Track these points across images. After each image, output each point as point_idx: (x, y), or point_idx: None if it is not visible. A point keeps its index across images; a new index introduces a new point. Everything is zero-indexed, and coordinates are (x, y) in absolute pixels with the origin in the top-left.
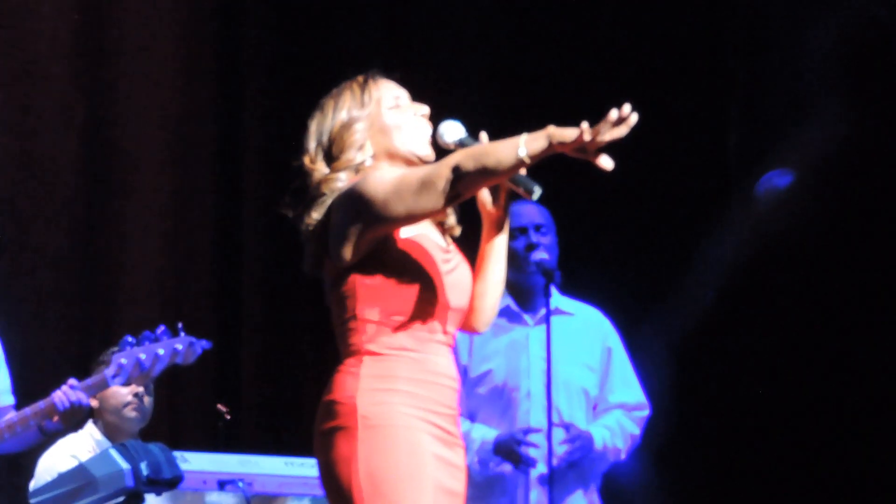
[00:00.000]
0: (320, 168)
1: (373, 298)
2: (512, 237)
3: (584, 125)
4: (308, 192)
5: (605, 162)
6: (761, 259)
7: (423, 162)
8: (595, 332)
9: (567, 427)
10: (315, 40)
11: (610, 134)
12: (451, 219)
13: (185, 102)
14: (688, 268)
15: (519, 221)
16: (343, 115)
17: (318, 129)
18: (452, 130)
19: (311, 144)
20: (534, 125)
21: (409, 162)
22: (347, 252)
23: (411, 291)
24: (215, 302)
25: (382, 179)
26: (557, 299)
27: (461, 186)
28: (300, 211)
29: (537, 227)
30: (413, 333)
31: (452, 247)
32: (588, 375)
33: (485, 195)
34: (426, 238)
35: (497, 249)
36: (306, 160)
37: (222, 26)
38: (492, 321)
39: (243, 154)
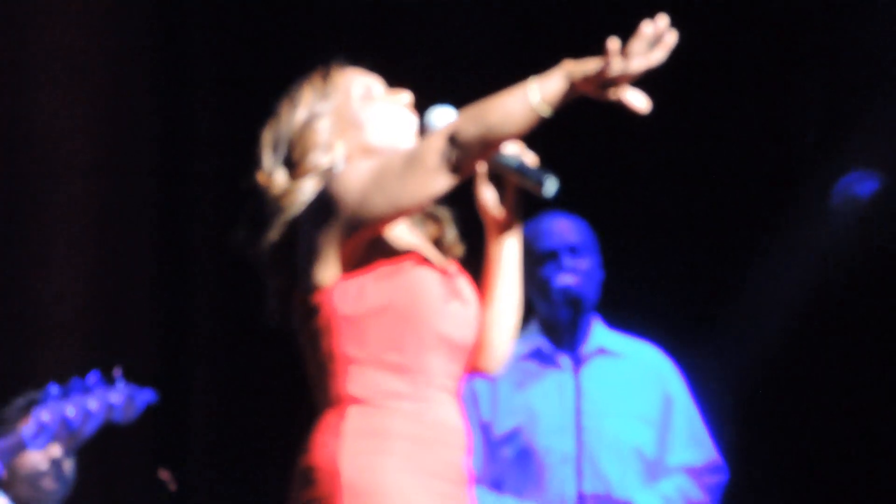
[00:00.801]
0: (278, 181)
1: (355, 333)
2: (540, 262)
3: (613, 45)
4: (264, 212)
5: (639, 100)
6: (836, 285)
7: None
8: (651, 376)
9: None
10: (277, 32)
11: (644, 59)
12: (451, 233)
13: (116, 104)
14: (745, 294)
15: (548, 243)
16: (302, 114)
17: (273, 136)
18: (444, 118)
19: (266, 156)
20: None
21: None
22: (323, 273)
23: (402, 324)
24: (158, 341)
25: (357, 169)
26: (603, 336)
27: (460, 158)
28: (255, 239)
29: (572, 250)
30: (407, 376)
31: (454, 269)
32: (643, 431)
33: (486, 196)
34: (417, 256)
35: (506, 265)
36: (260, 177)
37: (161, 13)
38: (506, 360)
39: (190, 162)
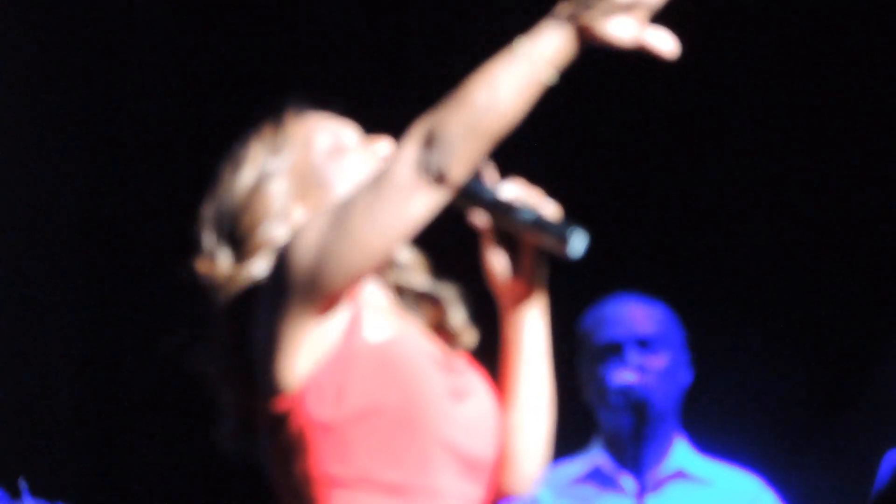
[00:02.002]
0: (221, 266)
1: (336, 446)
2: (600, 358)
3: None
4: (207, 307)
5: (664, 41)
6: None
7: None
8: None
9: None
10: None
11: None
12: (457, 316)
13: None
14: (864, 407)
15: (611, 333)
16: (249, 176)
17: (214, 209)
18: None
19: (206, 236)
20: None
21: None
22: (289, 370)
23: (395, 431)
24: (78, 445)
25: (313, 221)
26: (685, 457)
27: (444, 162)
28: (197, 343)
29: (642, 343)
30: (410, 500)
31: (463, 362)
32: None
33: (495, 262)
34: (410, 345)
35: (529, 353)
36: (200, 264)
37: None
38: (537, 478)
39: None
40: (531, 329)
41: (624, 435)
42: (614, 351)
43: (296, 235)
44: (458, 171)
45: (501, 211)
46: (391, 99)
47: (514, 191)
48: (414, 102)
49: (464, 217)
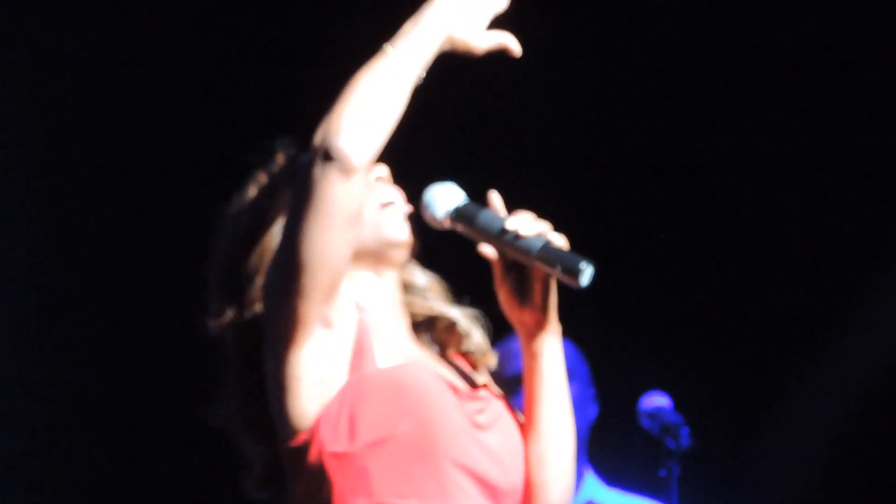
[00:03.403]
0: (227, 319)
1: (354, 476)
2: (510, 392)
3: None
4: (221, 362)
5: (512, 41)
6: None
7: (401, 249)
8: None
9: None
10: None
11: None
12: (476, 338)
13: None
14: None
15: (517, 366)
16: (244, 224)
17: (215, 264)
18: (445, 197)
19: (214, 294)
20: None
21: (380, 259)
22: (299, 407)
23: (411, 458)
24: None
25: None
26: (594, 489)
27: (342, 146)
28: (221, 401)
29: None
30: None
31: (486, 390)
32: None
33: (507, 291)
34: (422, 372)
35: (548, 379)
36: (213, 324)
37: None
38: (564, 502)
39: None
40: (549, 358)
41: None
42: (521, 383)
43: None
44: (353, 152)
45: (510, 242)
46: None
47: (522, 222)
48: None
49: (475, 248)
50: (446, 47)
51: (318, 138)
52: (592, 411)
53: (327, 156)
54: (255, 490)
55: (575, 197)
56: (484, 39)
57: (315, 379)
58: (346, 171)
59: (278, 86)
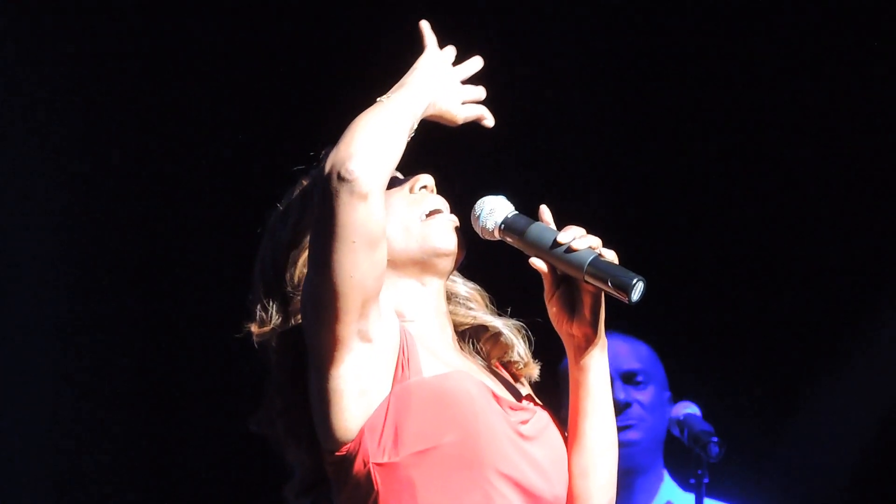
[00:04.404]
0: (271, 325)
1: (399, 486)
2: None
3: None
4: (271, 376)
5: (486, 113)
6: None
7: (447, 259)
8: None
9: None
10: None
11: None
12: (519, 348)
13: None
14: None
15: None
16: (290, 231)
17: (261, 270)
18: (494, 209)
19: (259, 300)
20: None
21: (425, 268)
22: (343, 418)
23: (456, 468)
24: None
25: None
26: (673, 492)
27: (350, 168)
28: (264, 413)
29: (627, 377)
30: None
31: (530, 401)
32: None
33: (558, 305)
34: (466, 382)
35: (594, 392)
36: (255, 330)
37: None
38: None
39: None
40: (595, 371)
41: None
42: None
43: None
44: (365, 176)
45: (561, 255)
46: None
47: (574, 236)
48: None
49: (521, 260)
50: (430, 113)
51: (328, 166)
52: (664, 413)
53: (340, 180)
54: (295, 497)
55: (616, 210)
56: (463, 111)
57: (357, 392)
58: (359, 194)
59: (321, 93)
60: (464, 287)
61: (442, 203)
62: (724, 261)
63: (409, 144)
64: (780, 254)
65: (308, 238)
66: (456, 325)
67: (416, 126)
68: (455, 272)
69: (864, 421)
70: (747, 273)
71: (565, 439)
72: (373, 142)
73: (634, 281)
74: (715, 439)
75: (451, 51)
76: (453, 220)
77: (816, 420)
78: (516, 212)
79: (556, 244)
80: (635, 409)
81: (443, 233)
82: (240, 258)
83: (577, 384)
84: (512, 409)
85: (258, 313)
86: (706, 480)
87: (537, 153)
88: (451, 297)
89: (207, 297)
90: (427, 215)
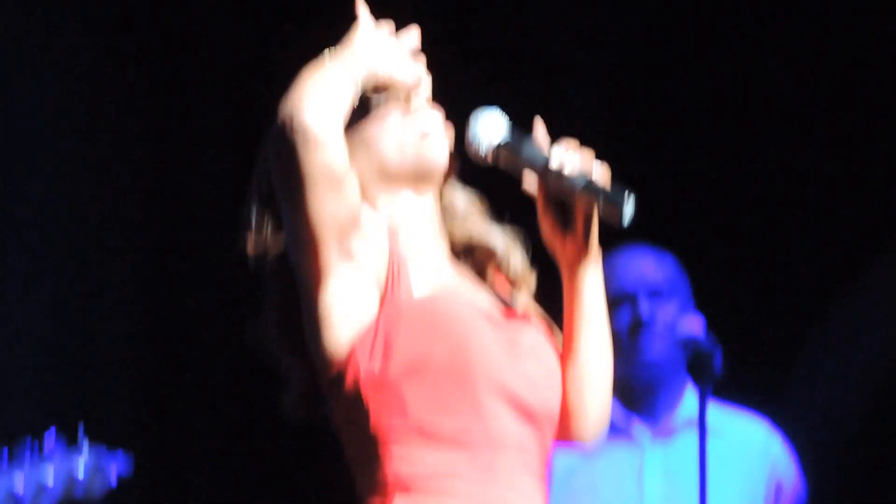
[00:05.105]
0: (266, 236)
1: (390, 400)
2: (612, 310)
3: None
4: (264, 288)
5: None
6: None
7: (440, 174)
8: (757, 459)
9: None
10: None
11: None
12: (516, 260)
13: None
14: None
15: (621, 284)
16: None
17: (257, 181)
18: (489, 126)
19: (253, 211)
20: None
21: (419, 179)
22: (334, 333)
23: (448, 381)
24: (139, 398)
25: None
26: (695, 405)
27: (302, 114)
28: (255, 319)
29: (653, 293)
30: (465, 449)
31: (524, 315)
32: None
33: (550, 224)
34: (458, 297)
35: (588, 308)
36: (248, 242)
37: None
38: (605, 427)
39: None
40: (590, 287)
41: (637, 384)
42: (625, 301)
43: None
44: (317, 122)
45: (552, 174)
46: None
47: (566, 152)
48: None
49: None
50: (374, 77)
51: (281, 118)
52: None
53: (294, 131)
54: (291, 411)
55: (616, 125)
56: (405, 74)
57: (345, 312)
58: (315, 142)
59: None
60: (461, 195)
61: (438, 118)
62: (733, 186)
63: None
64: (795, 182)
65: None
66: (451, 234)
67: (360, 84)
68: (452, 180)
69: (878, 354)
70: (763, 188)
71: (561, 351)
72: (322, 91)
73: (626, 198)
74: (719, 357)
75: (388, 24)
76: (449, 135)
77: (828, 337)
78: (509, 129)
79: (548, 162)
80: (659, 325)
81: (438, 150)
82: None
83: (570, 300)
84: (503, 321)
85: (253, 225)
86: (710, 395)
87: (534, 63)
88: (447, 204)
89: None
90: (423, 133)
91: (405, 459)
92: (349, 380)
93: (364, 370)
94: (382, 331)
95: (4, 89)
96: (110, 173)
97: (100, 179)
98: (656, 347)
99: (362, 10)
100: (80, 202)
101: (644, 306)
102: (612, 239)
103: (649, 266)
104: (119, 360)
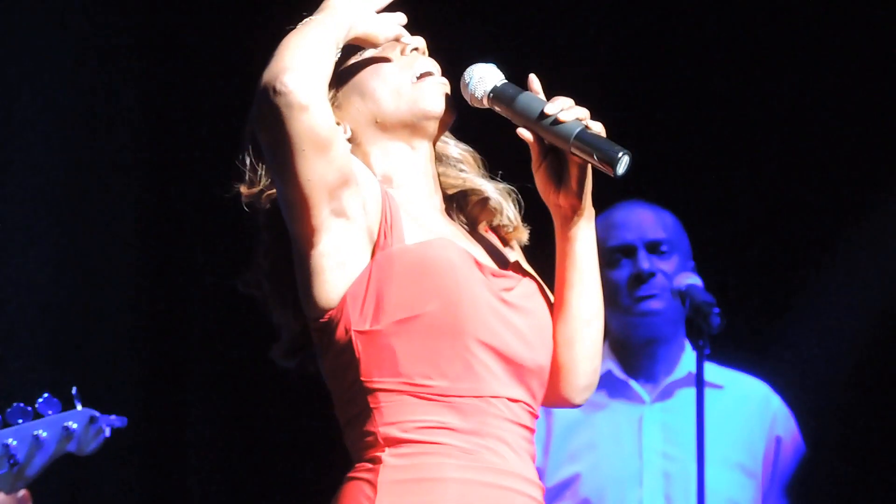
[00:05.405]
0: (259, 184)
1: (380, 354)
2: (611, 263)
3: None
4: (257, 233)
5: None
6: None
7: (436, 121)
8: (757, 414)
9: None
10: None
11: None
12: (508, 212)
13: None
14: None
15: (622, 237)
16: None
17: (250, 130)
18: (484, 77)
19: (248, 161)
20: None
21: (415, 130)
22: (325, 286)
23: (438, 335)
24: (144, 365)
25: None
26: (692, 362)
27: (283, 79)
28: (247, 269)
29: (652, 246)
30: (454, 403)
31: (516, 268)
32: (741, 482)
33: (545, 176)
34: (449, 250)
35: (580, 263)
36: (243, 188)
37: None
38: (592, 387)
39: (182, 167)
40: (582, 242)
41: (636, 341)
42: (625, 254)
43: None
44: (299, 86)
45: (548, 126)
46: None
47: (561, 107)
48: None
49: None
50: (352, 35)
51: (263, 83)
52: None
53: (276, 94)
54: (281, 359)
55: (614, 84)
56: (383, 31)
57: (337, 263)
58: (298, 105)
59: None
60: (456, 149)
61: (433, 65)
62: (730, 139)
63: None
64: (791, 130)
65: None
66: (445, 188)
67: (340, 46)
68: (448, 133)
69: (869, 305)
70: (754, 145)
71: (552, 307)
72: (303, 55)
73: (620, 154)
74: (716, 310)
75: None
76: (444, 83)
77: (821, 301)
78: (506, 80)
79: (543, 115)
80: (659, 279)
81: (433, 95)
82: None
83: (563, 254)
84: (495, 275)
85: (247, 174)
86: (707, 351)
87: (529, 20)
88: (442, 158)
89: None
90: (418, 77)
91: (395, 412)
92: (340, 329)
93: (355, 321)
94: (375, 280)
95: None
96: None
97: (101, 144)
98: (656, 299)
99: None
100: (81, 162)
101: (644, 258)
102: (612, 195)
103: (650, 220)
104: (115, 333)
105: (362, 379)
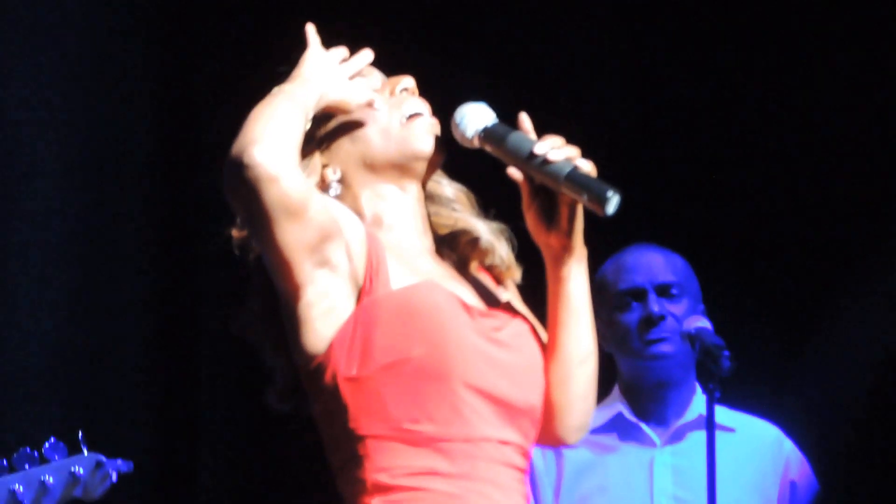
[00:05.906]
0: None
1: (368, 400)
2: (621, 306)
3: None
4: (248, 278)
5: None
6: None
7: (425, 162)
8: (769, 457)
9: None
10: None
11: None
12: (501, 251)
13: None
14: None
15: (632, 280)
16: None
17: None
18: (474, 117)
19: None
20: None
21: (404, 171)
22: (313, 332)
23: (425, 380)
24: (154, 406)
25: None
26: (703, 405)
27: (250, 151)
28: (245, 316)
29: (662, 289)
30: (443, 448)
31: (506, 309)
32: None
33: (535, 215)
34: (436, 292)
35: (572, 302)
36: (234, 231)
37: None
38: (586, 427)
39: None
40: (574, 282)
41: (647, 384)
42: (635, 297)
43: None
44: (268, 158)
45: (538, 166)
46: None
47: (551, 146)
48: None
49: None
50: (324, 104)
51: (233, 156)
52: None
53: (246, 168)
54: (276, 402)
55: (604, 124)
56: (355, 97)
57: (324, 311)
58: (267, 177)
59: None
60: (449, 188)
61: (423, 106)
62: (741, 175)
63: (391, 50)
64: (802, 176)
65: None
66: (437, 228)
67: (310, 116)
68: (440, 172)
69: (881, 348)
70: (765, 189)
71: (544, 347)
72: (271, 127)
73: (609, 194)
74: (727, 353)
75: (340, 51)
76: (433, 123)
77: (832, 344)
78: (497, 120)
79: (533, 154)
80: (669, 322)
81: (422, 135)
82: None
83: (555, 294)
84: (483, 316)
85: (238, 221)
86: (717, 394)
87: (520, 59)
88: (435, 198)
89: None
90: (407, 118)
91: (383, 459)
92: (328, 376)
93: (342, 367)
94: (361, 326)
95: (8, 84)
96: (120, 176)
97: (110, 182)
98: (667, 342)
99: (311, 37)
100: (90, 203)
101: (655, 302)
102: (623, 239)
103: (660, 263)
104: (123, 377)
105: (351, 426)
